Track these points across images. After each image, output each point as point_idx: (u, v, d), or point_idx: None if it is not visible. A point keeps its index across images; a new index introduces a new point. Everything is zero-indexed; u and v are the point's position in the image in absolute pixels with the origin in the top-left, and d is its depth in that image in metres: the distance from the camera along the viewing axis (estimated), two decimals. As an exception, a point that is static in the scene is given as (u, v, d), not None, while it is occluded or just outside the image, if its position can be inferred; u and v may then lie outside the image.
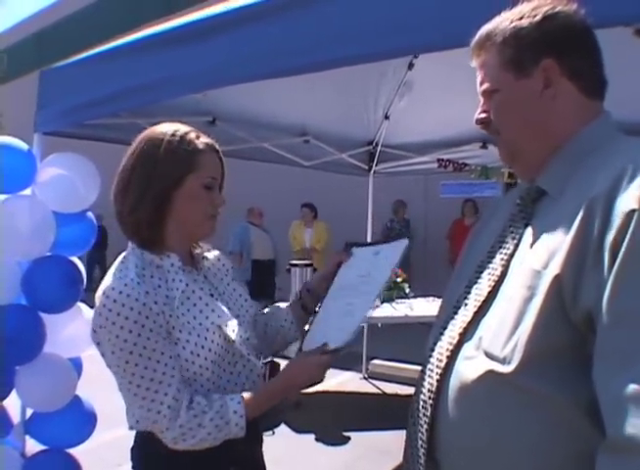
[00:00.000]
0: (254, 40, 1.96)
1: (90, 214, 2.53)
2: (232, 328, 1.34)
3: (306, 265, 4.91)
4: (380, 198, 5.89)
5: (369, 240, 5.74)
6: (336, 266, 1.49)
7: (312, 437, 4.02)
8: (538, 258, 0.88)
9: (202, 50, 2.08)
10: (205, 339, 1.26)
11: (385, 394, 5.03)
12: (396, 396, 4.91)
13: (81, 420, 2.43)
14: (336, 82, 3.81)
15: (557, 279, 0.83)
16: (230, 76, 2.07)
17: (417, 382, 1.03)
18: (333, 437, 4.09)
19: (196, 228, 1.34)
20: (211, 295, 1.37)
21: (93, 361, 2.75)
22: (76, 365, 2.51)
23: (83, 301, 2.50)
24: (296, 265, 4.87)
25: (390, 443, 4.12)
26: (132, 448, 1.35)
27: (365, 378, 5.67)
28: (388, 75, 4.20)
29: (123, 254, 1.32)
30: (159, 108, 3.06)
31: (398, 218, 8.15)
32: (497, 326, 0.90)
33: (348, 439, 4.13)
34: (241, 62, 1.99)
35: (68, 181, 2.40)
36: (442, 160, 5.05)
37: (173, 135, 1.29)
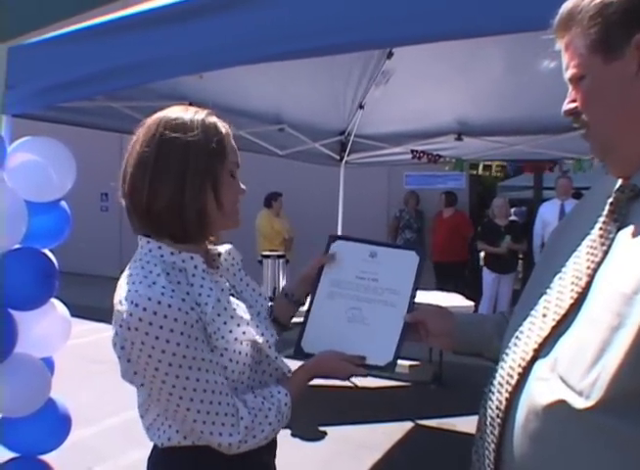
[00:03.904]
0: (248, 23, 1.86)
1: (64, 204, 2.36)
2: (261, 330, 1.26)
3: (279, 257, 4.79)
4: (346, 188, 5.80)
5: (339, 232, 5.67)
6: (318, 270, 1.42)
7: (288, 432, 3.93)
8: (629, 277, 0.77)
9: (190, 31, 1.96)
10: (241, 343, 1.18)
11: (356, 387, 4.98)
12: (368, 389, 4.87)
13: (56, 424, 2.27)
14: (314, 69, 3.71)
15: None
16: (223, 60, 1.96)
17: (485, 392, 0.95)
18: (309, 432, 4.02)
19: (226, 219, 1.24)
20: (232, 295, 1.27)
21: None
22: (49, 365, 2.35)
23: (57, 297, 2.33)
24: (268, 257, 4.75)
25: (366, 436, 4.10)
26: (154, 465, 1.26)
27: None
28: (366, 64, 4.12)
29: (137, 257, 1.19)
30: (134, 92, 2.91)
31: (409, 209, 8.06)
32: (576, 351, 0.81)
33: (325, 434, 4.08)
34: (235, 45, 1.89)
35: (40, 167, 2.22)
36: (416, 151, 5.02)
37: (195, 117, 1.19)
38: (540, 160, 4.84)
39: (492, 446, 0.90)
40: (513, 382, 0.88)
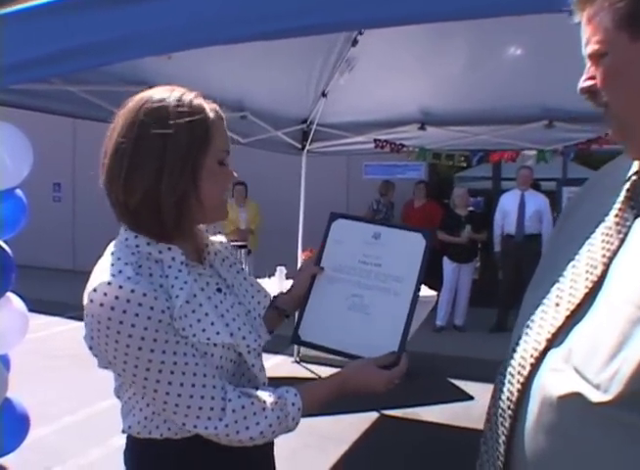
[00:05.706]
0: (214, 3, 1.79)
1: (19, 192, 2.23)
2: (243, 333, 1.17)
3: (240, 247, 4.72)
4: (307, 177, 5.72)
5: (301, 219, 5.62)
6: (308, 282, 1.36)
7: (253, 425, 3.87)
8: None
9: (152, 10, 1.86)
10: (215, 345, 1.10)
11: (319, 378, 4.96)
12: (332, 379, 4.84)
13: (14, 425, 2.15)
14: (277, 55, 3.63)
15: None
16: (192, 40, 1.87)
17: (495, 383, 0.92)
18: (274, 425, 3.96)
19: (212, 211, 1.16)
20: (219, 289, 1.19)
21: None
22: (5, 363, 2.23)
23: (13, 291, 2.21)
24: (230, 247, 4.67)
25: (331, 428, 4.07)
26: (130, 458, 1.19)
27: (297, 362, 5.58)
28: (330, 51, 4.07)
29: (110, 247, 1.11)
30: (92, 75, 2.78)
31: (385, 201, 7.81)
32: (592, 343, 0.77)
33: (290, 426, 4.03)
34: (205, 25, 1.81)
35: (-6, 154, 2.10)
36: (379, 140, 4.99)
37: (180, 102, 1.08)
38: (503, 149, 4.88)
39: (503, 437, 0.86)
40: (525, 373, 0.84)
